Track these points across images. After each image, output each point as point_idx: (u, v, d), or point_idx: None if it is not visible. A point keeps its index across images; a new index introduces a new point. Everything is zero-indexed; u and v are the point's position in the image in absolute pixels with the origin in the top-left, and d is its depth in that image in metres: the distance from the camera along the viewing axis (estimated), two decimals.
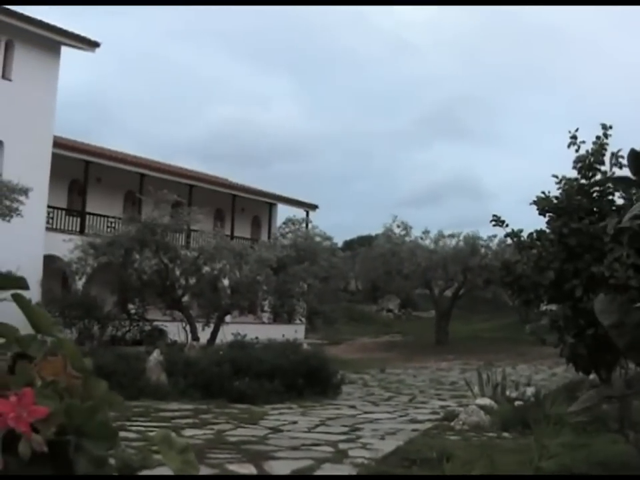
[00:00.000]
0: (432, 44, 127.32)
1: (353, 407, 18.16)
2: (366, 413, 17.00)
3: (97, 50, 35.15)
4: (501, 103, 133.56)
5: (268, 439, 12.49)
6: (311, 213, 49.86)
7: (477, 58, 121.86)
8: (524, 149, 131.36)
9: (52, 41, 33.68)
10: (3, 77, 32.33)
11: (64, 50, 34.71)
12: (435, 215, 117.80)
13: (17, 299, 1.32)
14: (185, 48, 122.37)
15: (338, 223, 69.70)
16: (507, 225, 14.15)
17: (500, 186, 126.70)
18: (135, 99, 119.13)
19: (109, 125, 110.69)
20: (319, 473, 9.82)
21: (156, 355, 19.10)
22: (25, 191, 25.00)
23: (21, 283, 1.37)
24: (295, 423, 14.79)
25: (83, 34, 34.52)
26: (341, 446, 11.91)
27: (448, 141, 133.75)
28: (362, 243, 53.77)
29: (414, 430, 14.07)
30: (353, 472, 9.74)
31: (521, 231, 14.07)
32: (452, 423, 14.67)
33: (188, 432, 12.92)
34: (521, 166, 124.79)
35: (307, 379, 19.62)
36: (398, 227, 44.86)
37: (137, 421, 13.89)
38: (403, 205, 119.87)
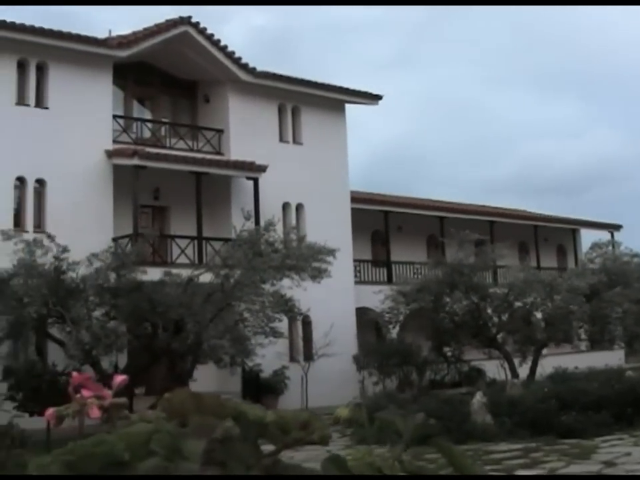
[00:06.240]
0: None
1: None
2: None
3: (380, 102, 36.53)
4: None
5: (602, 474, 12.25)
6: (616, 234, 48.39)
7: None
8: None
9: (335, 100, 35.23)
10: (294, 141, 33.89)
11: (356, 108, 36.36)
12: None
13: (441, 448, 1.46)
14: (484, 89, 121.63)
15: None
16: None
17: None
18: (446, 146, 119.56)
19: (422, 175, 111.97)
20: None
21: (479, 397, 19.16)
22: (332, 252, 25.61)
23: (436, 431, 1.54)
24: (628, 454, 14.41)
25: (365, 89, 35.92)
26: None
27: None
28: None
29: None
30: None
31: None
32: None
33: (520, 472, 12.87)
34: None
35: (635, 407, 19.02)
36: None
37: None
38: None
